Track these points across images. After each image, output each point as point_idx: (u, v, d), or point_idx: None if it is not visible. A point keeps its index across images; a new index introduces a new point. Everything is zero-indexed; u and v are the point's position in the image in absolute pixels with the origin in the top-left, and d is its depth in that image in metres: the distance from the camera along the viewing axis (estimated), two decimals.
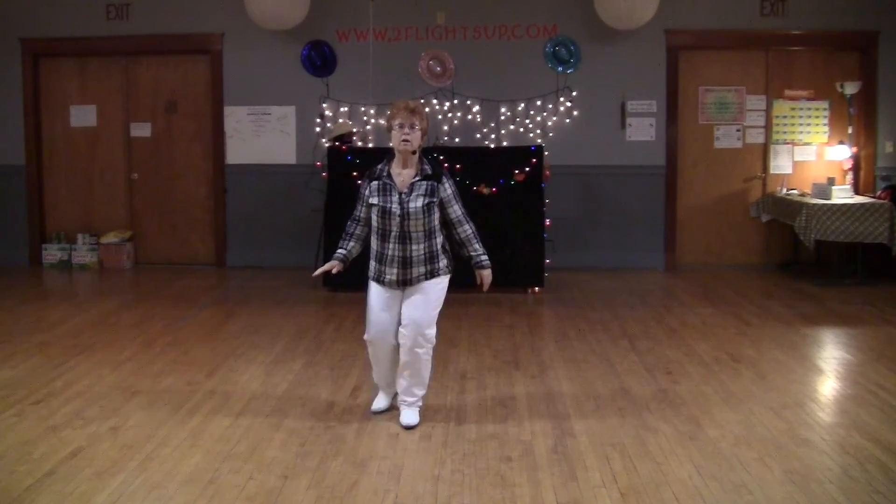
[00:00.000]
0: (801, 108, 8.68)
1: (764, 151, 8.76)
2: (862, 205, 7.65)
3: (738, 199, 8.80)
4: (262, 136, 8.83)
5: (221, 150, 8.88)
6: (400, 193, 4.11)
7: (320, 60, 8.64)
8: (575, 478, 3.59)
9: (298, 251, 8.64)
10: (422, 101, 8.09)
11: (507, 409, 4.48)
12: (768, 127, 8.72)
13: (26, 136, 9.00)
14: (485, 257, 4.27)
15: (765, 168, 8.76)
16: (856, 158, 8.45)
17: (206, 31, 8.75)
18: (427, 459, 3.81)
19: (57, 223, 9.16)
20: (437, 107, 8.51)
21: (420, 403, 4.30)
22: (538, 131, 8.55)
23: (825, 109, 8.65)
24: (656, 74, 8.56)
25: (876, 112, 8.53)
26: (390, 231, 4.13)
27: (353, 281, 7.15)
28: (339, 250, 4.25)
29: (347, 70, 8.63)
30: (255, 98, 8.79)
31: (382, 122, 8.35)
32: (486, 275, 4.29)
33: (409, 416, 4.22)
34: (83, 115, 9.09)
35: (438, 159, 7.11)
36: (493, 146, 8.36)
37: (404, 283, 4.16)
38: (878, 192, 8.22)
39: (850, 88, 8.25)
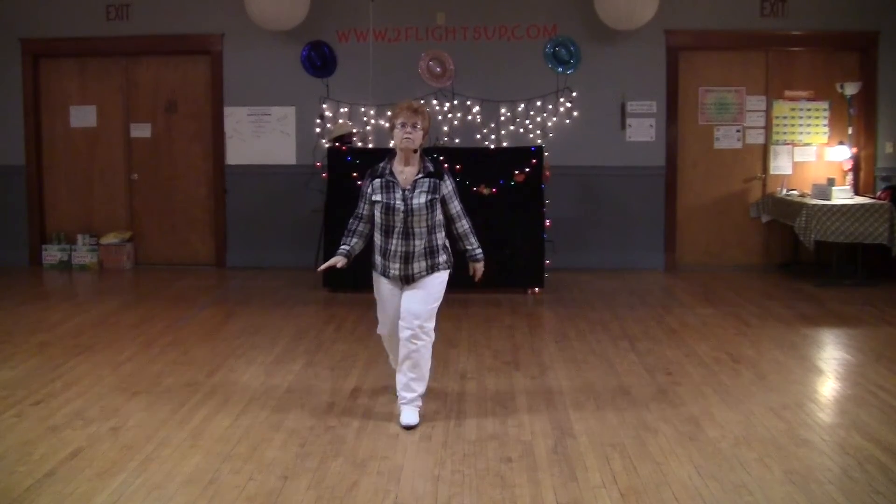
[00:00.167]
0: (801, 109, 8.68)
1: (764, 152, 8.76)
2: (862, 205, 7.65)
3: (738, 200, 8.80)
4: (262, 136, 8.84)
5: (221, 151, 8.88)
6: (403, 190, 4.22)
7: (320, 61, 8.64)
8: (575, 478, 3.59)
9: (298, 251, 8.65)
10: (422, 101, 8.08)
11: (507, 409, 4.48)
12: (768, 127, 8.72)
13: (26, 136, 9.00)
14: (479, 251, 4.47)
15: (765, 169, 8.76)
16: (856, 159, 8.45)
17: (206, 31, 8.75)
18: (427, 459, 3.81)
19: (57, 223, 9.16)
20: (437, 107, 8.51)
21: (419, 403, 4.32)
22: (538, 132, 8.55)
23: (825, 110, 8.65)
24: (656, 75, 8.57)
25: (876, 112, 8.53)
26: (394, 227, 4.24)
27: (353, 281, 7.21)
28: (343, 246, 4.35)
29: (347, 70, 8.63)
30: (255, 98, 8.79)
31: (382, 122, 8.36)
32: (480, 267, 4.51)
33: (409, 415, 4.23)
34: (83, 116, 9.09)
35: (438, 159, 7.11)
36: (493, 147, 8.36)
37: (406, 278, 4.27)
38: (878, 193, 8.22)
39: (850, 89, 8.25)
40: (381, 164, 4.31)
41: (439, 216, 4.30)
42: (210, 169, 8.97)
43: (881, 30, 8.43)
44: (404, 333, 4.21)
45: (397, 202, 4.21)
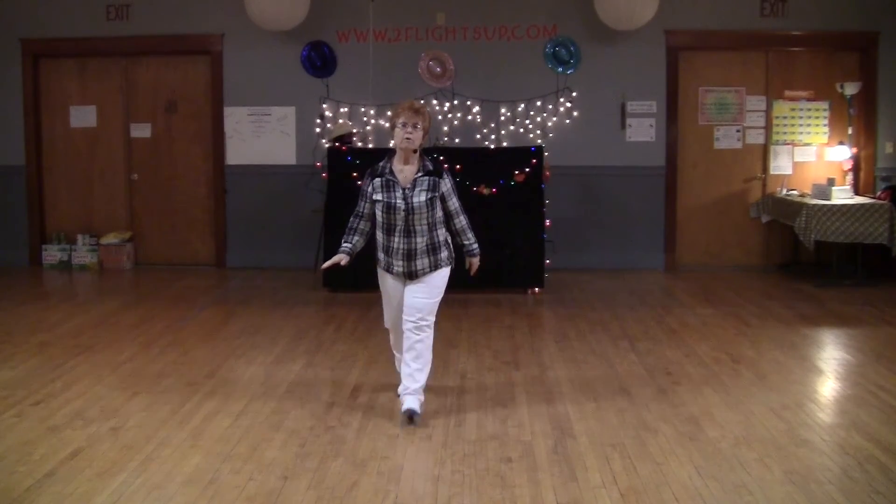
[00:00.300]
0: (801, 109, 8.67)
1: (764, 152, 8.76)
2: (862, 205, 7.65)
3: (737, 200, 8.80)
4: (262, 136, 8.84)
5: (221, 151, 8.88)
6: (403, 189, 4.28)
7: (320, 61, 8.64)
8: (575, 478, 3.59)
9: (298, 252, 8.65)
10: (422, 101, 8.08)
11: (507, 409, 4.49)
12: (768, 127, 8.72)
13: (26, 136, 9.00)
14: (475, 246, 4.58)
15: (765, 169, 8.76)
16: (856, 159, 8.45)
17: (206, 31, 8.75)
18: (427, 459, 3.81)
19: (57, 223, 9.16)
20: (437, 107, 8.51)
21: (422, 397, 4.37)
22: (538, 132, 8.55)
23: (825, 110, 8.65)
24: (656, 75, 8.57)
25: (876, 112, 8.53)
26: (395, 225, 4.30)
27: (353, 281, 7.21)
28: (345, 244, 4.43)
29: (347, 70, 8.63)
30: (255, 98, 8.79)
31: (382, 122, 8.36)
32: (476, 261, 4.62)
33: (411, 402, 4.29)
34: (83, 116, 9.09)
35: (438, 159, 7.11)
36: (493, 147, 8.36)
37: (410, 275, 4.34)
38: (878, 193, 8.22)
39: (850, 89, 8.25)
40: (381, 164, 4.37)
41: (439, 213, 4.37)
42: (210, 169, 8.97)
43: (881, 30, 8.43)
44: (407, 325, 4.31)
45: (398, 201, 4.27)
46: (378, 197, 4.30)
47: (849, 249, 7.99)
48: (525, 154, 7.59)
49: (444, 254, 4.40)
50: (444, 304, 4.47)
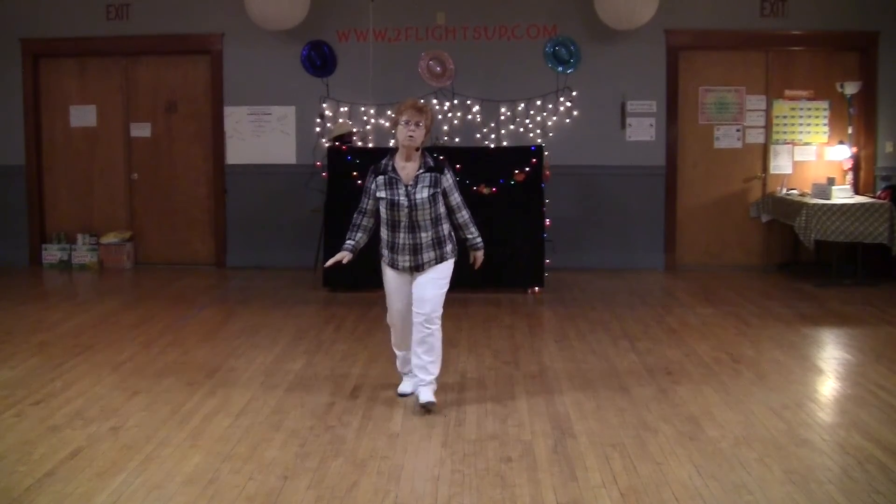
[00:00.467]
0: (801, 109, 8.67)
1: (764, 151, 8.76)
2: (862, 205, 7.65)
3: (737, 200, 8.80)
4: (262, 136, 8.84)
5: (221, 151, 8.88)
6: (406, 186, 4.35)
7: (320, 60, 8.63)
8: (575, 478, 3.59)
9: (298, 251, 8.65)
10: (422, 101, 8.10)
11: (507, 409, 4.49)
12: (768, 127, 8.72)
13: (26, 136, 9.00)
14: (479, 240, 4.62)
15: (765, 168, 8.75)
16: (856, 158, 8.45)
17: (206, 31, 8.75)
18: (427, 459, 3.81)
19: (57, 223, 9.16)
20: (438, 107, 8.50)
21: (435, 386, 4.47)
22: (538, 131, 8.54)
23: (825, 109, 8.65)
24: (656, 75, 8.56)
25: (876, 112, 8.53)
26: (399, 221, 4.37)
27: (352, 281, 7.21)
28: (348, 241, 4.49)
29: (347, 70, 8.62)
30: (255, 98, 8.79)
31: (382, 122, 8.36)
32: (480, 255, 4.67)
33: (426, 394, 4.40)
34: (83, 116, 9.09)
35: (439, 157, 7.11)
36: (493, 146, 8.36)
37: (416, 268, 4.41)
38: (878, 193, 8.22)
39: (850, 88, 8.25)
40: (384, 161, 4.43)
41: (442, 208, 4.44)
42: (210, 169, 8.97)
43: (881, 30, 8.43)
44: (418, 318, 4.39)
45: (401, 198, 4.33)
46: (381, 194, 4.37)
47: (849, 249, 7.99)
48: (525, 153, 7.60)
49: (448, 247, 4.48)
50: (445, 303, 4.47)
